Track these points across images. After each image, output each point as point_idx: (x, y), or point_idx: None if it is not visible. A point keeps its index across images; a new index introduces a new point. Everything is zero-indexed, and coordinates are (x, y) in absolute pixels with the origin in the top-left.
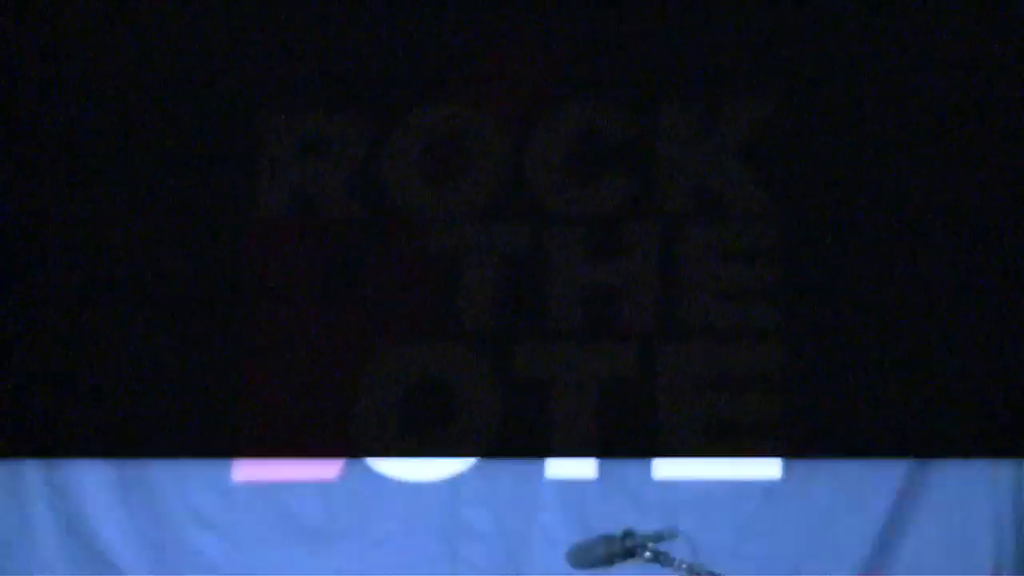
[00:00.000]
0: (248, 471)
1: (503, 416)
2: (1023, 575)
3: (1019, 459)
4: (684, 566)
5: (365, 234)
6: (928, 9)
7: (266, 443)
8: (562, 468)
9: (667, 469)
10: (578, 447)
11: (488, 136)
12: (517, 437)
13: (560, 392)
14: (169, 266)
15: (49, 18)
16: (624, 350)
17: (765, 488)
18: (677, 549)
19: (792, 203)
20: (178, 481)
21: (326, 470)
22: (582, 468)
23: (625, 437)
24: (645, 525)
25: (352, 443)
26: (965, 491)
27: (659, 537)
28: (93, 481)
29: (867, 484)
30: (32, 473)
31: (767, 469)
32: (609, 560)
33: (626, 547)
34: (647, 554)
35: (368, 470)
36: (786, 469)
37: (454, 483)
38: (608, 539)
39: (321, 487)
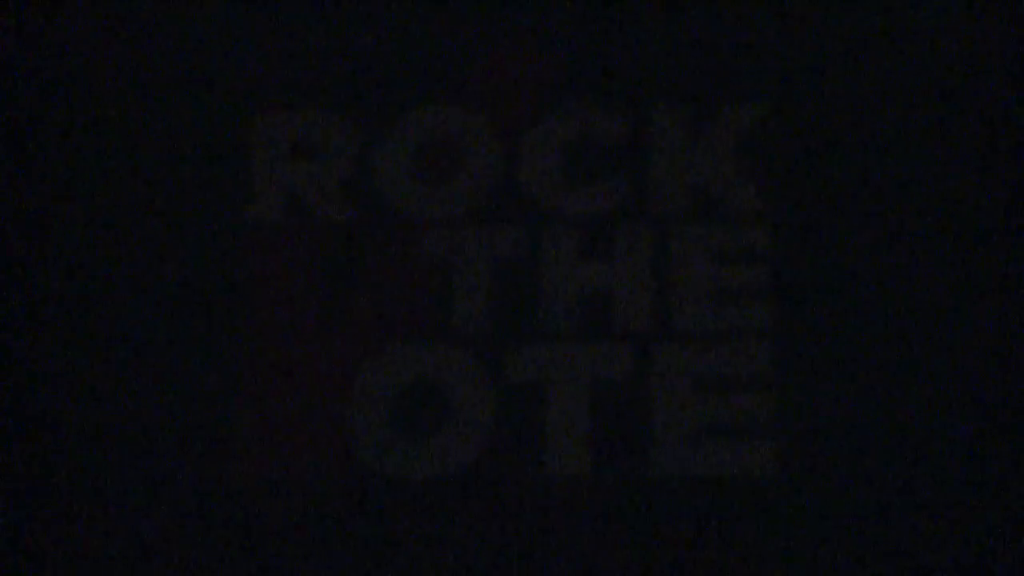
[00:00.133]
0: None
1: (497, 418)
2: None
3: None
4: None
5: (357, 236)
6: (925, 11)
7: (259, 444)
8: (557, 468)
9: (662, 468)
10: (572, 448)
11: (481, 137)
12: (511, 438)
13: (554, 393)
14: (159, 268)
15: (36, 18)
16: (619, 351)
17: (759, 487)
18: None
19: (786, 204)
20: None
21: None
22: (577, 467)
23: (620, 438)
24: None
25: (346, 446)
26: None
27: None
28: None
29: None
30: None
31: (762, 468)
32: None
33: None
34: None
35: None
36: (782, 469)
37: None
38: None
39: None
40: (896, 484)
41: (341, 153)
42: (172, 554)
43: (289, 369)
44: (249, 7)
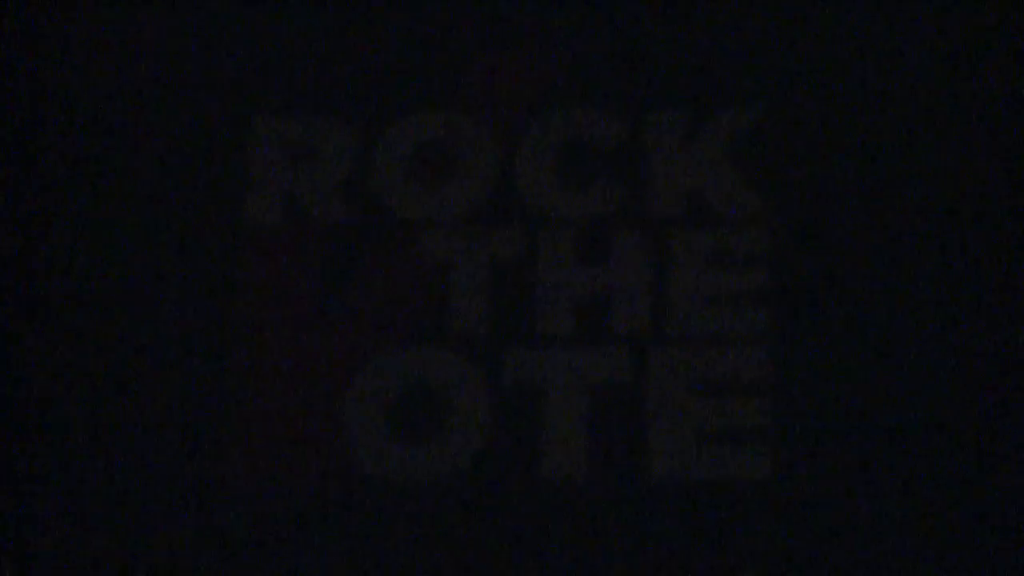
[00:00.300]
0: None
1: (493, 421)
2: None
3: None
4: None
5: (354, 239)
6: (922, 15)
7: (256, 447)
8: (553, 471)
9: (659, 472)
10: (569, 452)
11: (479, 141)
12: (508, 442)
13: (551, 397)
14: (156, 271)
15: (34, 21)
16: (616, 354)
17: (756, 491)
18: None
19: (784, 208)
20: None
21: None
22: (573, 471)
23: (617, 442)
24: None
25: (342, 448)
26: None
27: None
28: None
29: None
30: None
31: (759, 472)
32: None
33: None
34: None
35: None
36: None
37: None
38: None
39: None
40: (893, 489)
41: (338, 156)
42: (167, 557)
43: (286, 372)
44: (246, 11)
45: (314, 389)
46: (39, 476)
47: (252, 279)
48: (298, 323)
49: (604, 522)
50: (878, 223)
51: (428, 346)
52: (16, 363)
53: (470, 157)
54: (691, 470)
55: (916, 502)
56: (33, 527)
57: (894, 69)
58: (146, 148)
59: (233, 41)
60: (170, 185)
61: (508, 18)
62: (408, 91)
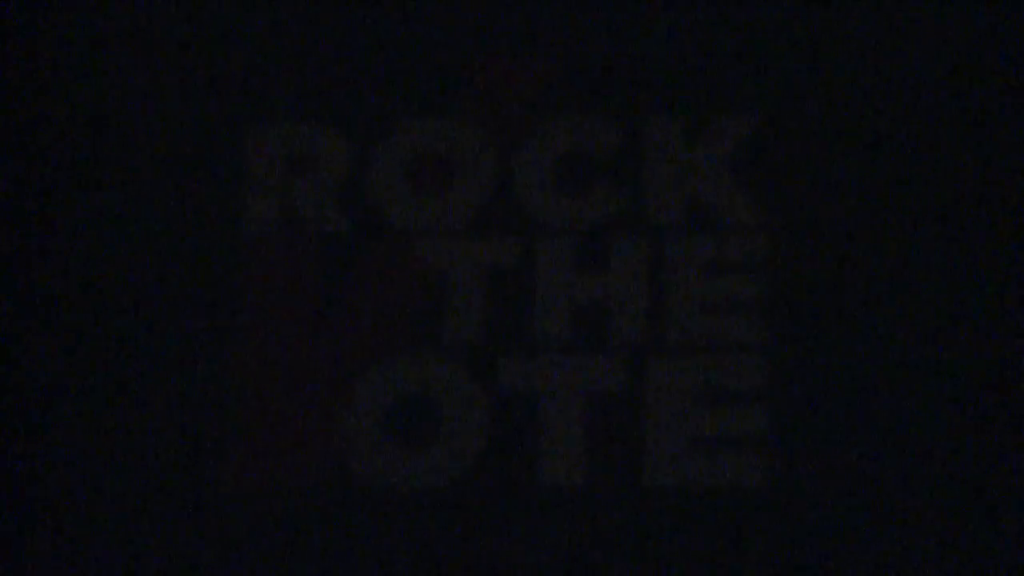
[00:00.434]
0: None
1: (491, 429)
2: None
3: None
4: None
5: (351, 247)
6: (921, 22)
7: (253, 455)
8: (551, 479)
9: (656, 480)
10: (566, 460)
11: (476, 148)
12: (505, 450)
13: (548, 404)
14: (153, 278)
15: (32, 25)
16: (614, 362)
17: (753, 499)
18: None
19: (782, 216)
20: None
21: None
22: (571, 479)
23: (614, 449)
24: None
25: (339, 456)
26: None
27: None
28: None
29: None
30: None
31: (756, 480)
32: None
33: None
34: None
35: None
36: (776, 479)
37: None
38: None
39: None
40: (890, 497)
41: (335, 164)
42: (164, 561)
43: (283, 380)
44: (244, 18)
45: (311, 396)
46: (39, 477)
47: (250, 287)
48: (295, 331)
49: (602, 529)
50: (876, 231)
51: (426, 354)
52: (16, 364)
53: (468, 165)
54: (688, 477)
55: (913, 509)
56: (33, 527)
57: (893, 77)
58: (144, 155)
59: (231, 48)
60: (168, 193)
61: (506, 25)
62: (406, 99)
